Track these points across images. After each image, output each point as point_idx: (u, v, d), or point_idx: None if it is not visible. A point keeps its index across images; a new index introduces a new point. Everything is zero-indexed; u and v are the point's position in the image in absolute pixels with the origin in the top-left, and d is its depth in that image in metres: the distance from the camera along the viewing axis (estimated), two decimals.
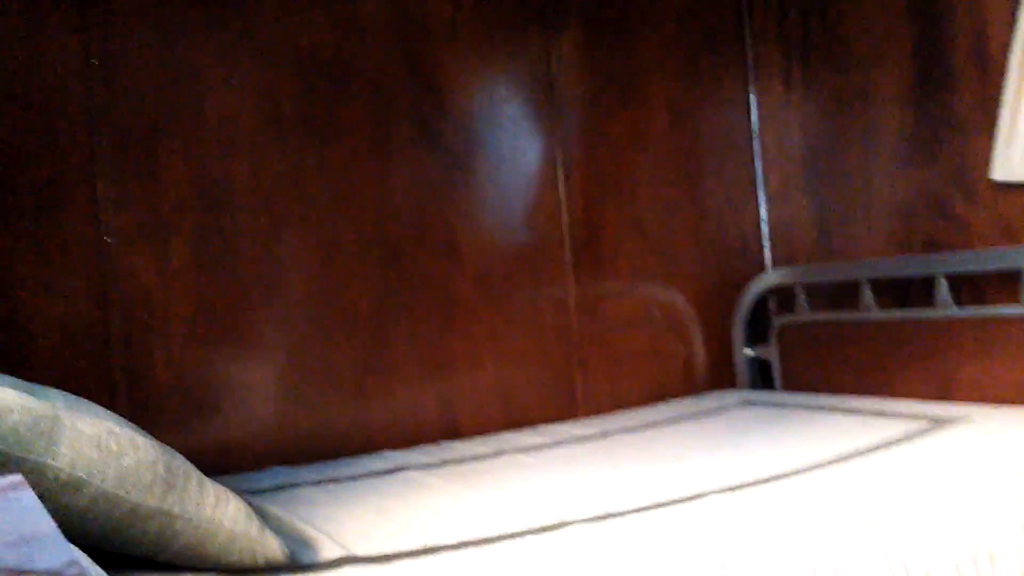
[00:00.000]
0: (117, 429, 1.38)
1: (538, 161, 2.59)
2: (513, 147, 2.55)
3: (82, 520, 1.29)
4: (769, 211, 2.91)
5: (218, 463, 2.06)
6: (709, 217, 2.85)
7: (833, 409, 2.28)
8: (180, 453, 1.51)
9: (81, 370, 1.99)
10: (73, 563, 0.64)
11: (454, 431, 2.42)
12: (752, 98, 2.91)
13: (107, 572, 1.17)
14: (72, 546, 0.67)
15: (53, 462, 1.26)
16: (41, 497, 1.25)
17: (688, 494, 1.58)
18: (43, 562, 0.64)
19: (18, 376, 1.81)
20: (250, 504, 1.50)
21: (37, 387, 1.44)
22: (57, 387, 1.52)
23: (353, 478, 1.96)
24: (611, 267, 2.69)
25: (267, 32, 2.21)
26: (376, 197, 2.35)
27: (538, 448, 2.15)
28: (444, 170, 2.44)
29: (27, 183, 1.97)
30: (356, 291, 2.32)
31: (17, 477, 0.88)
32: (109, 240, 2.04)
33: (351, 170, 2.31)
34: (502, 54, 2.53)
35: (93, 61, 2.02)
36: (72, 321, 2.00)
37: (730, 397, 2.65)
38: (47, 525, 0.73)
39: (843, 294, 2.63)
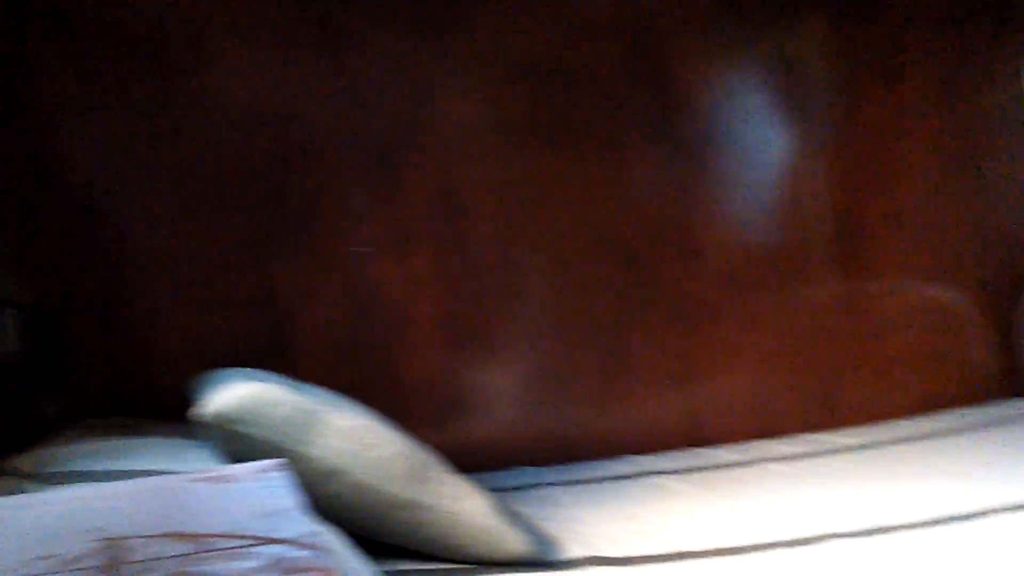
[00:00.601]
0: (370, 424, 1.45)
1: (786, 152, 2.43)
2: (757, 138, 2.41)
3: (342, 507, 1.36)
4: None
5: (465, 462, 2.09)
6: (989, 203, 2.54)
7: None
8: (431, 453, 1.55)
9: (339, 371, 2.11)
10: (310, 534, 0.66)
11: (700, 438, 2.31)
12: None
13: (368, 558, 1.22)
14: (312, 520, 0.69)
15: (314, 452, 1.35)
16: (306, 484, 1.33)
17: (968, 511, 1.40)
18: (285, 532, 0.67)
19: (285, 375, 1.96)
20: (496, 501, 1.51)
21: (301, 385, 1.54)
22: (318, 386, 1.62)
23: (598, 481, 1.93)
24: (873, 263, 2.47)
25: (495, 42, 2.25)
26: (611, 198, 2.31)
27: (794, 458, 2.01)
28: (680, 167, 2.35)
29: (288, 200, 2.13)
30: (594, 294, 2.29)
31: (275, 461, 0.93)
32: (359, 250, 2.15)
33: (584, 172, 2.29)
34: (739, 40, 2.40)
35: (343, 83, 2.15)
36: (330, 326, 2.13)
37: (1019, 407, 2.35)
38: (292, 501, 0.76)
39: None
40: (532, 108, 2.27)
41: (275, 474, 0.87)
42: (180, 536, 0.67)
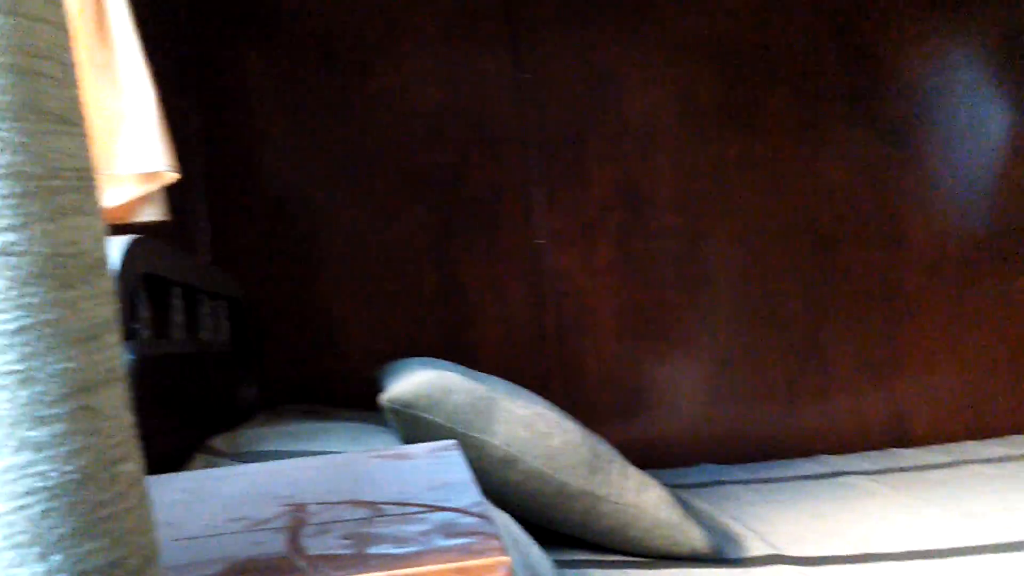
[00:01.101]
0: (546, 413, 1.46)
1: (1004, 131, 2.24)
2: (970, 117, 2.24)
3: (517, 495, 1.38)
4: None
5: (645, 456, 2.07)
6: None
7: None
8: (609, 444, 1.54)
9: (520, 362, 2.15)
10: (478, 503, 0.68)
11: (905, 439, 2.17)
12: None
13: (544, 547, 1.23)
14: (480, 493, 0.71)
15: (490, 439, 1.37)
16: (482, 471, 1.36)
17: None
18: (455, 501, 0.69)
19: (467, 365, 2.01)
20: (675, 496, 1.48)
21: (479, 374, 1.57)
22: (499, 377, 1.65)
23: (785, 480, 1.85)
24: None
25: (684, 26, 2.20)
26: (805, 183, 2.21)
27: (1007, 460, 1.85)
28: (883, 148, 2.22)
29: (472, 195, 2.18)
30: (785, 285, 2.20)
31: (449, 442, 0.98)
32: (541, 242, 2.17)
33: (776, 157, 2.21)
34: (953, 11, 2.24)
35: (525, 76, 2.18)
36: (511, 318, 2.17)
37: None
38: (463, 475, 0.79)
39: None
40: (723, 91, 2.21)
41: (448, 453, 0.91)
42: (357, 503, 0.71)
